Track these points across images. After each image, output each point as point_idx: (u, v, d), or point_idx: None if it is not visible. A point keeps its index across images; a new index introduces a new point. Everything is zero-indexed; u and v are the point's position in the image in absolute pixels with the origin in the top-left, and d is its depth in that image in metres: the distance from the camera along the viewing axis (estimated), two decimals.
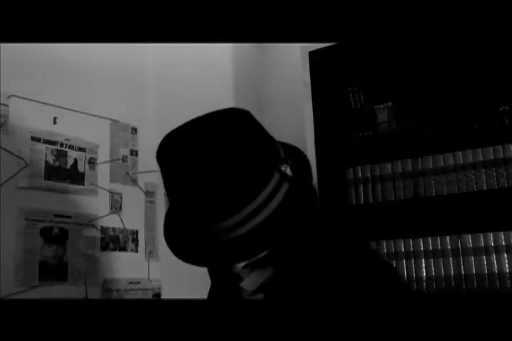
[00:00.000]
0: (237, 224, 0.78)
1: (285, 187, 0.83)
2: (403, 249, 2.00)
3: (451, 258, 1.92)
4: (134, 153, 2.01)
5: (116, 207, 1.90)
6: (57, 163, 1.74)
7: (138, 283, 1.92)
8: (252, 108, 2.57)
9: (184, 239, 0.86)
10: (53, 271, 1.67)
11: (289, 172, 0.85)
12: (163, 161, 0.87)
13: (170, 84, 2.20)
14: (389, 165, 2.11)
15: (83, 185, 1.81)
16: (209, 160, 0.80)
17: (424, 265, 1.96)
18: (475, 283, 1.88)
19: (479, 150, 1.96)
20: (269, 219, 0.78)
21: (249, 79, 2.62)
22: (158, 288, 1.98)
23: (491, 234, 1.88)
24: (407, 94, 2.16)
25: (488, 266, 1.87)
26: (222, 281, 0.69)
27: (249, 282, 0.88)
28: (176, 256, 0.86)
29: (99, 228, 1.83)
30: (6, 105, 1.64)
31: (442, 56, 2.11)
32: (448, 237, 1.94)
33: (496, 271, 1.85)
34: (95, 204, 1.83)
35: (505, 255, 1.85)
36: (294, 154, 0.92)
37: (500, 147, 1.93)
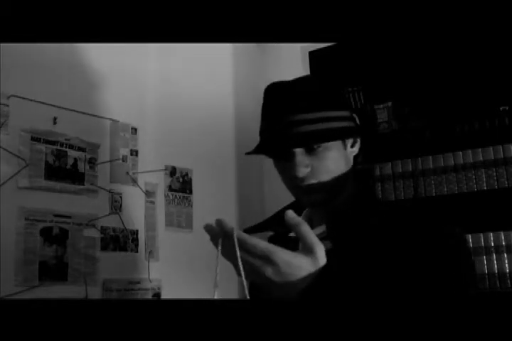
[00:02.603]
0: (306, 121, 0.96)
1: (349, 123, 1.01)
2: None
3: None
4: (134, 153, 2.01)
5: (116, 207, 1.90)
6: (57, 163, 1.74)
7: (138, 283, 1.92)
8: (252, 108, 2.57)
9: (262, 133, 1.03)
10: (53, 271, 1.67)
11: (357, 120, 1.04)
12: (265, 92, 1.04)
13: (170, 84, 2.20)
14: (389, 165, 2.11)
15: (83, 185, 1.81)
16: (302, 79, 1.04)
17: None
18: None
19: (479, 150, 1.96)
20: (325, 130, 0.97)
21: (249, 80, 2.62)
22: (158, 288, 1.98)
23: (491, 234, 1.88)
24: (407, 94, 2.16)
25: (488, 266, 1.87)
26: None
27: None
28: (257, 152, 1.03)
29: (99, 228, 1.83)
30: (6, 105, 1.64)
31: (442, 56, 2.11)
32: None
33: (496, 271, 1.85)
34: (95, 204, 1.83)
35: (505, 255, 1.85)
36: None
37: (500, 147, 1.93)
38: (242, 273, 0.72)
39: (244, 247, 0.72)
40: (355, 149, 1.06)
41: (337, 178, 1.00)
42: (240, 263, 0.72)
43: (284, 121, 0.97)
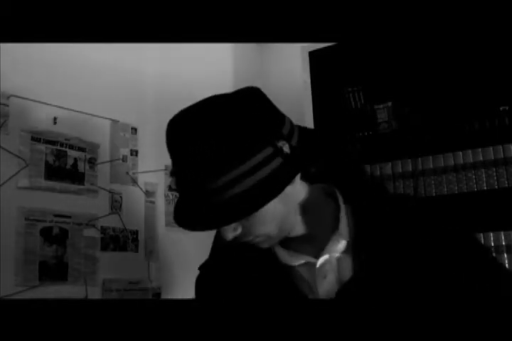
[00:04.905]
0: (222, 188, 0.83)
1: (277, 161, 0.86)
2: None
3: None
4: (134, 153, 2.01)
5: (116, 207, 1.90)
6: (57, 163, 1.74)
7: (138, 283, 1.92)
8: None
9: (181, 205, 0.91)
10: (53, 271, 1.67)
11: (286, 149, 0.87)
12: (167, 134, 0.95)
13: (170, 84, 2.20)
14: (389, 165, 2.11)
15: (83, 185, 1.80)
16: (202, 127, 0.88)
17: None
18: None
19: (479, 150, 1.95)
20: (255, 188, 0.83)
21: (249, 79, 2.62)
22: (159, 288, 1.98)
23: (491, 234, 1.88)
24: (407, 94, 2.16)
25: None
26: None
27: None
28: (178, 225, 0.90)
29: (99, 228, 1.83)
30: (6, 105, 1.64)
31: (442, 56, 2.11)
32: None
33: None
34: (95, 204, 1.83)
35: (505, 255, 1.85)
36: (311, 136, 0.95)
37: (500, 147, 1.92)
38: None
39: None
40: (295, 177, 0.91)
41: (280, 221, 0.92)
42: None
43: (196, 189, 0.86)
